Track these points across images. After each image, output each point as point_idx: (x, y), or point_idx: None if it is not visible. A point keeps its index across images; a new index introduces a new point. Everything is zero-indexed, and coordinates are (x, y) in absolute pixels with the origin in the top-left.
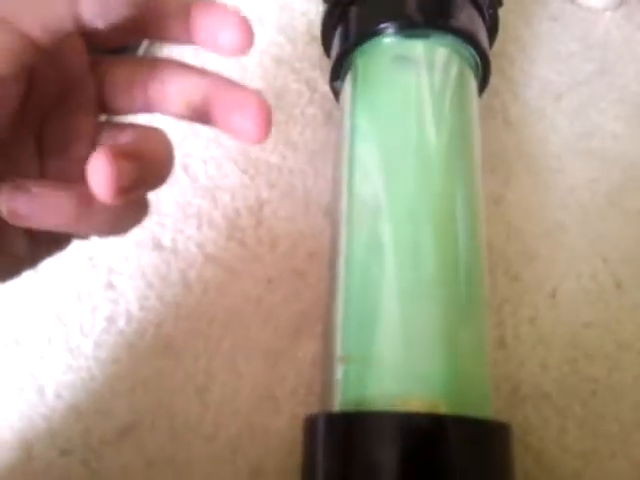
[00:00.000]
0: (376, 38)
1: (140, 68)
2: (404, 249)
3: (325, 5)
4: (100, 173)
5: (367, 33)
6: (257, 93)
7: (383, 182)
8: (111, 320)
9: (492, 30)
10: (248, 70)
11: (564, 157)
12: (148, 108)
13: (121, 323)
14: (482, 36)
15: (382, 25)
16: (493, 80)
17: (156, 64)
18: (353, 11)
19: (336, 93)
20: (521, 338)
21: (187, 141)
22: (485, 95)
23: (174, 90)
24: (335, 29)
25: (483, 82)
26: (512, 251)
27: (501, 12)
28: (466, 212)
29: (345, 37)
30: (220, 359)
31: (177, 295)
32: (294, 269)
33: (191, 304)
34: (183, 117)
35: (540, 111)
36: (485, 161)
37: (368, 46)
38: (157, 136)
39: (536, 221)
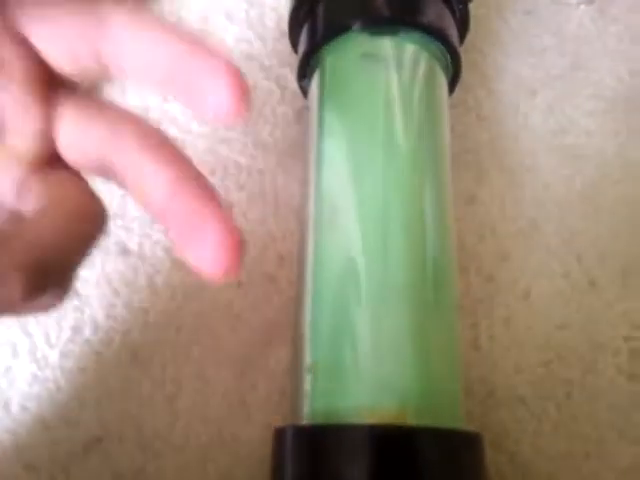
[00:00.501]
0: (343, 35)
1: (99, 121)
2: (372, 251)
3: (293, 1)
4: None
5: (334, 30)
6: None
7: (351, 182)
8: (77, 329)
9: (463, 25)
10: None
11: (538, 154)
12: (101, 173)
13: (87, 332)
14: (452, 32)
15: (349, 22)
16: (466, 75)
17: (117, 126)
18: (320, 7)
19: (304, 91)
20: (495, 340)
21: None
22: (458, 90)
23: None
24: (302, 26)
25: (454, 78)
26: (485, 251)
27: (473, 5)
28: (435, 211)
29: (312, 34)
30: (189, 367)
31: (144, 301)
32: (264, 273)
33: (159, 311)
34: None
35: (514, 107)
36: (458, 158)
37: (335, 43)
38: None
39: (509, 220)
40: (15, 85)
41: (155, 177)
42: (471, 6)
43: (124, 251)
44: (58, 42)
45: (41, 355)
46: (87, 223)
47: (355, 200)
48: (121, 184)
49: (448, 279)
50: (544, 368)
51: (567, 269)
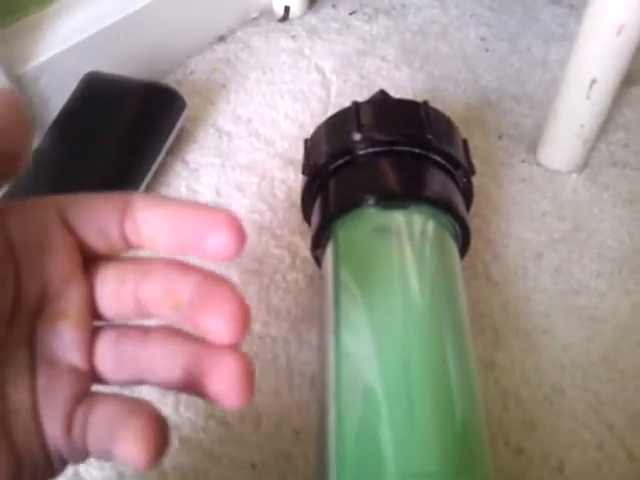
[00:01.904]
0: (356, 209)
1: (130, 268)
2: (399, 422)
3: (304, 176)
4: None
5: (347, 205)
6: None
7: (372, 347)
8: None
9: (467, 195)
10: None
11: (553, 315)
12: (139, 312)
13: None
14: (458, 203)
15: (362, 198)
16: (472, 241)
17: (146, 263)
18: (332, 182)
19: (318, 260)
20: None
21: None
22: (466, 256)
23: (162, 289)
24: (315, 199)
25: (464, 245)
26: (511, 420)
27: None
28: (460, 375)
29: (325, 208)
30: None
31: None
32: (279, 451)
33: None
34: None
35: (522, 270)
36: (472, 322)
37: (349, 217)
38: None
39: (533, 386)
40: (66, 266)
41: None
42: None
43: None
44: (92, 223)
45: None
46: None
47: (378, 364)
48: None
49: (479, 448)
50: None
51: (600, 439)
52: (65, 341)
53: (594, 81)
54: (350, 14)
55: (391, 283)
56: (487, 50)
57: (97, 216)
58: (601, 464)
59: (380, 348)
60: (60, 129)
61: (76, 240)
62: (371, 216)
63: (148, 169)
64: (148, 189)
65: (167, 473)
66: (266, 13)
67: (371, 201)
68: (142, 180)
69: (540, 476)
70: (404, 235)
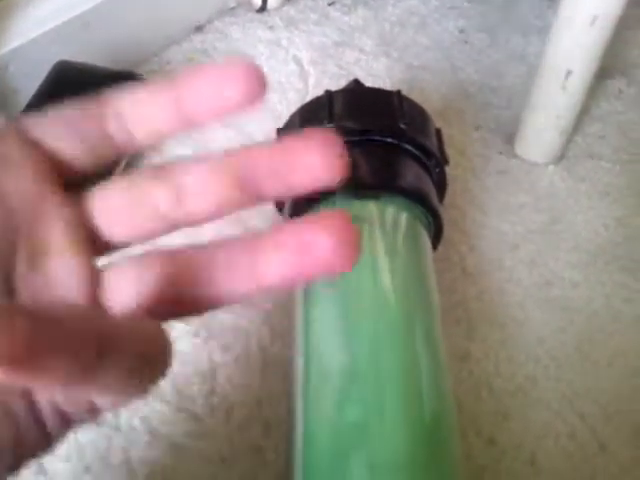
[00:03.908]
0: (328, 199)
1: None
2: (367, 413)
3: None
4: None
5: (319, 194)
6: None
7: (342, 336)
8: None
9: (441, 186)
10: None
11: (527, 306)
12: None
13: None
14: (430, 193)
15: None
16: (447, 232)
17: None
18: None
19: None
20: None
21: None
22: (442, 247)
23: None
24: None
25: (437, 235)
26: (484, 411)
27: (449, 167)
28: (430, 363)
29: (297, 197)
30: None
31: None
32: (250, 444)
33: None
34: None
35: (497, 261)
36: (447, 313)
37: (320, 206)
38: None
39: (506, 376)
40: (29, 182)
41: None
42: (447, 168)
43: (98, 420)
44: (68, 135)
45: None
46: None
47: (346, 360)
48: None
49: (448, 439)
50: None
51: (572, 429)
52: (52, 281)
53: (570, 72)
54: (329, 5)
55: (362, 273)
56: (466, 42)
57: (67, 123)
58: (573, 454)
59: (350, 338)
60: None
61: (47, 156)
62: (343, 205)
63: (119, 160)
64: None
65: (135, 468)
66: (244, 3)
67: (343, 191)
68: (112, 172)
69: (512, 466)
70: (376, 225)
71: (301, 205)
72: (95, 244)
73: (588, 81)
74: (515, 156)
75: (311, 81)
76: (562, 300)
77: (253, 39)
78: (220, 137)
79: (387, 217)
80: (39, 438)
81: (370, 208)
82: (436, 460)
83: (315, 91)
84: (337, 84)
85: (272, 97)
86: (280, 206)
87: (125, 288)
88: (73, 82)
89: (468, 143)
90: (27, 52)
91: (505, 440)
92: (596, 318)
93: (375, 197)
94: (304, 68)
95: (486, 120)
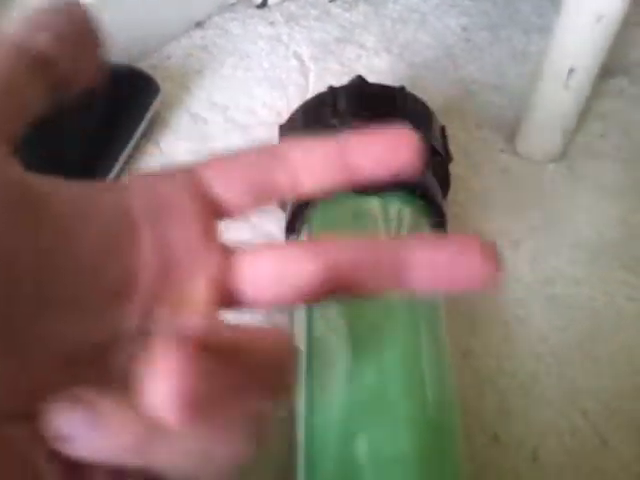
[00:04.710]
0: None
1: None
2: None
3: None
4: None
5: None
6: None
7: (344, 330)
8: None
9: (444, 183)
10: None
11: (529, 304)
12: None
13: None
14: (434, 190)
15: None
16: (449, 229)
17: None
18: None
19: None
20: None
21: None
22: None
23: None
24: None
25: (440, 231)
26: (486, 408)
27: (451, 165)
28: (433, 357)
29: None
30: None
31: None
32: None
33: None
34: None
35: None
36: (449, 310)
37: (323, 202)
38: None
39: (509, 373)
40: (193, 233)
41: None
42: (450, 165)
43: None
44: (239, 186)
45: None
46: None
47: (349, 354)
48: None
49: (451, 435)
50: None
51: (574, 426)
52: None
53: (572, 70)
54: (330, 1)
55: None
56: (468, 40)
57: (242, 174)
58: (575, 451)
59: (352, 333)
60: None
61: (213, 205)
62: (346, 201)
63: (119, 153)
64: (121, 174)
65: None
66: None
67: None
68: (113, 166)
69: (515, 463)
70: (379, 220)
71: (305, 202)
72: (233, 302)
73: (591, 79)
74: (516, 154)
75: (312, 77)
76: (564, 298)
77: (253, 35)
78: (222, 133)
79: (391, 212)
80: None
81: (374, 203)
82: (439, 455)
83: (316, 87)
84: (338, 80)
85: (272, 93)
86: (283, 207)
87: None
88: None
89: (469, 141)
90: None
91: (508, 437)
92: (598, 316)
93: (379, 192)
94: (305, 64)
95: (488, 118)
